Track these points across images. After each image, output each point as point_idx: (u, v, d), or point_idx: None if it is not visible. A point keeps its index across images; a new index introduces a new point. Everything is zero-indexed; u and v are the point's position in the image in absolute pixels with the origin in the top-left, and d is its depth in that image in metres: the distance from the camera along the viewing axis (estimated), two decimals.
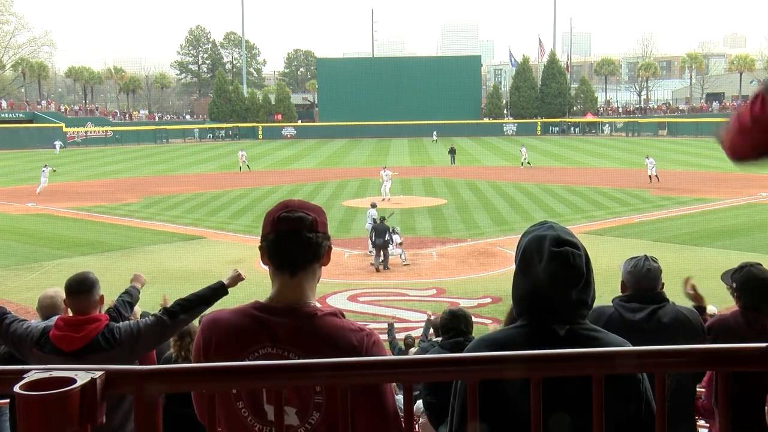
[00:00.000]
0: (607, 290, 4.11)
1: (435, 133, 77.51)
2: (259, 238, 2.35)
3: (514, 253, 2.30)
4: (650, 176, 38.57)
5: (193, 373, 1.65)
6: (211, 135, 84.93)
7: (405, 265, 20.52)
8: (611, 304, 3.94)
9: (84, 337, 4.08)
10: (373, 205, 23.39)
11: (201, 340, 2.28)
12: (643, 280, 3.93)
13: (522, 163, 48.64)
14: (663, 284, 4.01)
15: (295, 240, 2.25)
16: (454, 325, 5.33)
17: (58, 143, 69.40)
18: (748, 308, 3.99)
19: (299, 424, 2.16)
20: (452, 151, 53.79)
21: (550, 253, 2.13)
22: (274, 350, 2.16)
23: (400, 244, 21.03)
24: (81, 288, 4.20)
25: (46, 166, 39.37)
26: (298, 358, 2.13)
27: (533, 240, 2.20)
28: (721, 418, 1.61)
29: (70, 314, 4.25)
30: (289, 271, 2.26)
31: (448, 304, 16.02)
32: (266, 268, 2.32)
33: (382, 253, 20.24)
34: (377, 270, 20.04)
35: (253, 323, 2.19)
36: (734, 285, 4.03)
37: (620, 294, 4.01)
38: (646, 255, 4.06)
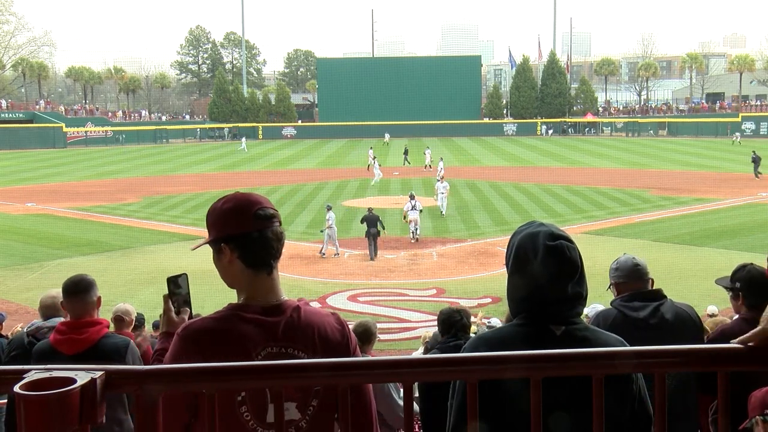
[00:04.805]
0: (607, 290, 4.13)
1: (387, 135, 75.34)
2: (216, 234, 2.30)
3: (505, 255, 2.27)
4: (426, 165, 41.38)
5: (193, 373, 1.65)
6: (233, 134, 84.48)
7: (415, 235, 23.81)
8: (611, 306, 3.91)
9: (86, 339, 3.99)
10: (329, 208, 22.91)
11: (190, 354, 2.08)
12: (633, 274, 3.92)
13: (426, 166, 47.34)
14: (653, 280, 4.00)
15: (277, 238, 2.25)
16: (455, 319, 5.38)
17: (244, 139, 70.03)
18: (753, 307, 3.94)
19: (300, 417, 2.17)
20: (406, 152, 52.94)
21: (545, 248, 2.12)
22: (275, 349, 2.16)
23: (421, 211, 24.22)
24: (77, 289, 4.10)
25: (374, 158, 41.97)
26: (299, 352, 2.17)
27: (526, 238, 2.19)
28: (721, 418, 1.61)
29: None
30: (266, 269, 2.24)
31: (449, 305, 16.03)
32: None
33: (373, 242, 21.44)
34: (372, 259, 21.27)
35: (249, 326, 2.16)
36: (738, 285, 3.97)
37: (617, 297, 3.99)
38: (625, 253, 4.11)
